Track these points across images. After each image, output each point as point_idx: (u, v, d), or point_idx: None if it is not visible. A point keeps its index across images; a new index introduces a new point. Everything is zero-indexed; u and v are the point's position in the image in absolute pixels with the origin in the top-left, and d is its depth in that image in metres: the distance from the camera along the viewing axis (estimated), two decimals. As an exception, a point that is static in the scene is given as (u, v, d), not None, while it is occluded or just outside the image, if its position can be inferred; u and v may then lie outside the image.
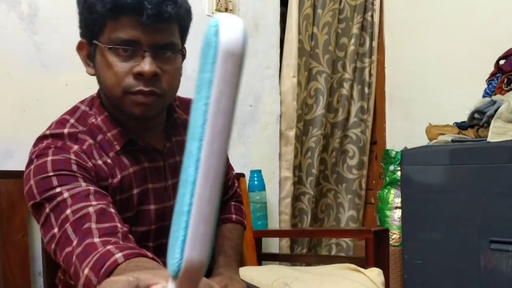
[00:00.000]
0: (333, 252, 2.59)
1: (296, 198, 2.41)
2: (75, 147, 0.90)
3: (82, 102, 1.04)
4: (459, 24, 2.38)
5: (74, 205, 0.81)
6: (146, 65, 0.87)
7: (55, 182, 0.84)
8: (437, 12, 2.49)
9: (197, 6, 2.03)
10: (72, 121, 0.97)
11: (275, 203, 2.30)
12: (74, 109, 1.01)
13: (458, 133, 1.88)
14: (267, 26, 2.28)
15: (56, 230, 0.81)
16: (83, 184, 0.85)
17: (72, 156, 0.88)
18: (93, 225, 0.78)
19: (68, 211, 0.80)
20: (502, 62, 1.98)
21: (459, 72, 2.36)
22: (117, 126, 0.96)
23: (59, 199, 0.82)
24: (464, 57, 2.35)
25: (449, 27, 2.43)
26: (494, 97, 1.82)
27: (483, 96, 1.98)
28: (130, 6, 0.84)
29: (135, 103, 0.90)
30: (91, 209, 0.80)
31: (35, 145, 0.94)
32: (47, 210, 0.83)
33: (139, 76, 0.88)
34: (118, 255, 0.71)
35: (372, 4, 2.70)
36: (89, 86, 1.66)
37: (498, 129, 1.65)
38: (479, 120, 1.79)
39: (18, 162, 1.47)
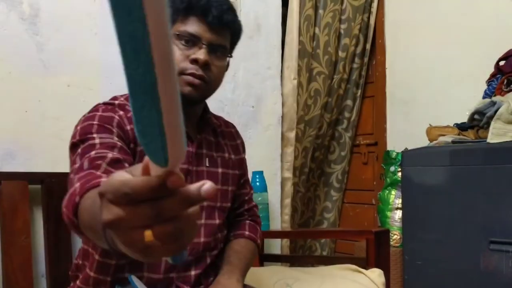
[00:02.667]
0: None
1: (292, 197, 2.43)
2: (121, 112, 1.06)
3: None
4: (460, 25, 2.39)
5: (100, 149, 0.95)
6: (202, 54, 1.06)
7: (94, 129, 1.00)
8: (438, 13, 2.49)
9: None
10: (122, 98, 1.12)
11: (276, 204, 2.30)
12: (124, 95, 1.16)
13: (458, 134, 1.88)
14: (269, 27, 2.28)
15: (78, 164, 0.92)
16: (115, 138, 1.00)
17: (116, 117, 1.04)
18: (104, 165, 0.91)
19: (93, 153, 0.93)
20: (502, 63, 1.98)
21: (459, 73, 2.37)
22: None
23: (90, 142, 0.97)
24: (464, 58, 2.35)
25: (449, 28, 2.43)
26: (494, 98, 1.82)
27: (483, 97, 1.98)
28: (201, 7, 1.05)
29: (186, 83, 1.07)
30: (109, 155, 0.93)
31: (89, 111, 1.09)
32: (79, 150, 0.96)
33: (194, 61, 1.06)
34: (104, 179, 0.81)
35: (370, 6, 2.71)
36: (91, 87, 1.68)
37: (498, 130, 1.65)
38: (479, 121, 1.79)
39: (20, 163, 1.48)
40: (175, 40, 1.07)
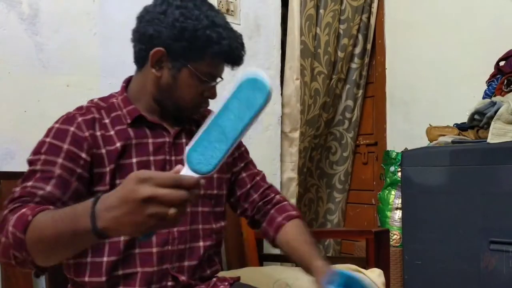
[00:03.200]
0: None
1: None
2: (80, 119, 1.07)
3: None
4: (460, 25, 2.38)
5: (36, 182, 0.98)
6: (215, 93, 1.16)
7: (43, 149, 1.02)
8: (438, 13, 2.49)
9: (198, 8, 2.03)
10: (96, 100, 1.16)
11: (276, 204, 2.30)
12: (108, 95, 1.20)
13: (458, 134, 1.88)
14: (268, 27, 2.28)
15: (17, 189, 0.97)
16: (59, 162, 1.01)
17: (72, 128, 1.05)
18: (32, 203, 0.94)
19: (29, 183, 0.97)
20: (502, 63, 1.98)
21: (459, 73, 2.37)
22: (131, 104, 1.14)
23: (33, 167, 1.01)
24: (464, 59, 2.35)
25: (449, 28, 2.43)
26: (494, 99, 1.82)
27: (483, 98, 1.98)
28: (234, 58, 1.13)
29: (195, 113, 1.19)
30: (40, 192, 0.96)
31: None
32: (27, 170, 1.01)
33: (208, 98, 1.16)
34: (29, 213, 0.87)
35: (370, 6, 2.71)
36: (90, 87, 1.68)
37: (498, 130, 1.65)
38: (479, 121, 1.79)
39: (19, 163, 1.47)
40: (192, 77, 1.10)
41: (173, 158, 1.14)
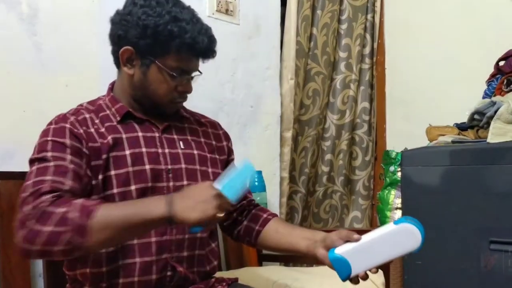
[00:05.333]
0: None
1: (288, 196, 2.41)
2: (72, 118, 1.12)
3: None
4: (459, 25, 2.38)
5: (55, 176, 1.01)
6: (189, 87, 1.19)
7: (49, 147, 1.06)
8: (437, 13, 2.49)
9: (198, 7, 1.99)
10: (84, 103, 1.21)
11: (275, 204, 2.30)
12: (96, 99, 1.24)
13: (458, 134, 1.88)
14: (268, 27, 2.27)
15: (30, 182, 1.00)
16: (68, 157, 1.05)
17: (67, 125, 1.10)
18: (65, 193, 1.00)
19: (49, 177, 1.01)
20: (502, 63, 1.98)
21: (459, 73, 2.37)
22: (118, 102, 1.19)
23: (45, 164, 1.03)
24: (464, 58, 2.35)
25: (449, 28, 2.43)
26: (494, 98, 1.82)
27: (483, 97, 1.97)
28: (202, 51, 1.14)
29: (171, 108, 1.21)
30: (64, 187, 1.01)
31: None
32: (35, 168, 1.03)
33: (182, 92, 1.18)
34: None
35: (373, 5, 2.70)
36: (89, 87, 1.67)
37: (497, 130, 1.65)
38: (479, 121, 1.79)
39: (18, 163, 1.47)
40: (161, 73, 1.13)
41: (166, 150, 1.18)
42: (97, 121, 1.15)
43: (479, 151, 1.66)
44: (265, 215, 1.32)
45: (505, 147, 1.58)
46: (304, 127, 2.49)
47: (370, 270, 1.03)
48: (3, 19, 1.53)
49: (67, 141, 1.07)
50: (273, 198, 2.27)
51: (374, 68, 2.75)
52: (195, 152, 1.23)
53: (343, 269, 1.03)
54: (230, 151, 1.36)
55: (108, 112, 1.18)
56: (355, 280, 1.05)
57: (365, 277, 1.05)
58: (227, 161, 1.34)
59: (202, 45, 1.12)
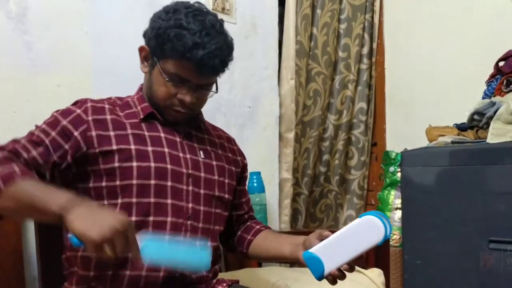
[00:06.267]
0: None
1: (292, 198, 2.40)
2: (89, 104, 1.16)
3: None
4: (459, 25, 2.38)
5: (27, 143, 1.09)
6: (188, 97, 1.16)
7: (49, 120, 1.13)
8: (437, 13, 2.48)
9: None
10: (113, 97, 1.26)
11: (274, 205, 2.29)
12: (125, 96, 1.28)
13: (458, 135, 1.87)
14: (265, 26, 2.26)
15: (10, 142, 1.09)
16: (52, 134, 1.10)
17: (78, 110, 1.14)
18: (20, 159, 1.06)
19: (22, 142, 1.08)
20: (501, 63, 1.97)
21: (458, 73, 2.36)
22: (144, 102, 1.22)
23: (33, 131, 1.12)
24: (464, 59, 2.34)
25: (449, 28, 2.42)
26: (493, 99, 1.82)
27: (483, 98, 1.97)
28: (196, 62, 1.10)
29: (170, 114, 1.19)
30: (25, 155, 1.06)
31: None
32: (28, 132, 1.13)
33: (181, 101, 1.16)
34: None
35: (372, 5, 2.69)
36: (81, 87, 1.66)
37: (497, 131, 1.65)
38: (478, 121, 1.79)
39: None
40: (161, 75, 1.15)
41: (188, 156, 1.21)
42: (120, 113, 1.19)
43: (478, 152, 1.66)
44: (258, 227, 1.37)
45: (505, 148, 1.58)
46: (306, 128, 2.48)
47: (342, 268, 1.04)
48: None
49: (64, 122, 1.11)
50: (272, 199, 2.26)
51: (373, 68, 2.74)
52: (214, 163, 1.27)
53: (316, 267, 1.04)
54: (245, 167, 1.40)
55: (134, 109, 1.21)
56: (331, 280, 1.06)
57: (341, 276, 1.05)
58: (241, 176, 1.39)
59: (195, 56, 1.10)
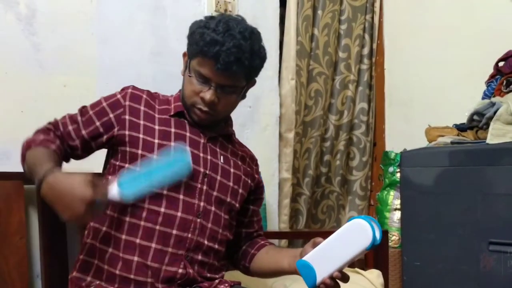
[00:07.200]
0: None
1: (293, 199, 2.40)
2: (129, 90, 1.27)
3: None
4: (459, 26, 2.38)
5: (69, 119, 1.25)
6: (208, 95, 1.19)
7: (92, 106, 1.26)
8: (437, 14, 2.48)
9: (196, 7, 2.03)
10: (157, 93, 1.34)
11: (274, 205, 2.29)
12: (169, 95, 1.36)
13: (457, 135, 1.87)
14: (267, 27, 2.27)
15: (63, 117, 1.26)
16: (90, 112, 1.24)
17: (119, 97, 1.25)
18: (53, 145, 1.18)
19: (67, 117, 1.25)
20: (501, 64, 1.97)
21: (458, 74, 2.36)
22: (179, 101, 1.29)
23: (81, 109, 1.26)
24: (463, 59, 2.34)
25: (448, 29, 2.42)
26: (493, 99, 1.82)
27: (482, 98, 1.97)
28: (212, 56, 1.15)
29: (194, 113, 1.24)
30: (62, 128, 1.23)
31: None
32: (75, 113, 1.27)
33: (202, 99, 1.20)
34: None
35: (373, 6, 2.70)
36: (87, 87, 1.68)
37: (497, 131, 1.64)
38: (478, 121, 1.79)
39: (15, 163, 1.45)
40: (190, 75, 1.22)
41: (208, 157, 1.26)
42: (156, 107, 1.27)
43: (478, 152, 1.66)
44: (262, 242, 1.39)
45: (505, 148, 1.58)
46: (307, 128, 2.48)
47: (334, 275, 1.02)
48: (1, 19, 1.53)
49: (104, 104, 1.24)
50: (272, 199, 2.27)
51: (373, 68, 2.74)
52: (232, 170, 1.30)
53: (308, 275, 1.04)
54: (261, 189, 1.44)
55: (168, 106, 1.28)
56: None
57: (334, 285, 1.04)
58: (259, 198, 1.42)
59: (211, 51, 1.14)
